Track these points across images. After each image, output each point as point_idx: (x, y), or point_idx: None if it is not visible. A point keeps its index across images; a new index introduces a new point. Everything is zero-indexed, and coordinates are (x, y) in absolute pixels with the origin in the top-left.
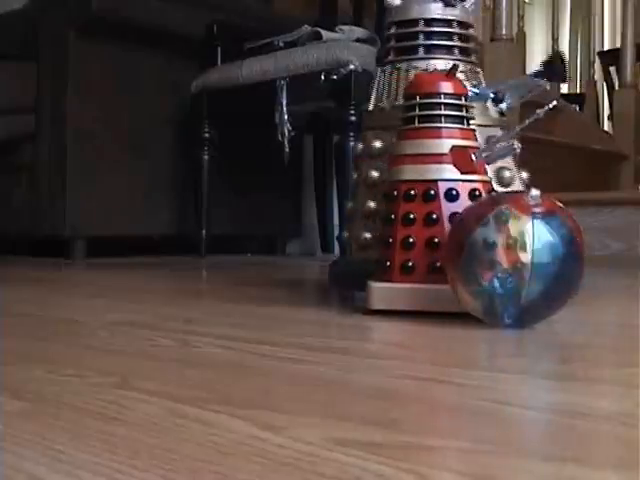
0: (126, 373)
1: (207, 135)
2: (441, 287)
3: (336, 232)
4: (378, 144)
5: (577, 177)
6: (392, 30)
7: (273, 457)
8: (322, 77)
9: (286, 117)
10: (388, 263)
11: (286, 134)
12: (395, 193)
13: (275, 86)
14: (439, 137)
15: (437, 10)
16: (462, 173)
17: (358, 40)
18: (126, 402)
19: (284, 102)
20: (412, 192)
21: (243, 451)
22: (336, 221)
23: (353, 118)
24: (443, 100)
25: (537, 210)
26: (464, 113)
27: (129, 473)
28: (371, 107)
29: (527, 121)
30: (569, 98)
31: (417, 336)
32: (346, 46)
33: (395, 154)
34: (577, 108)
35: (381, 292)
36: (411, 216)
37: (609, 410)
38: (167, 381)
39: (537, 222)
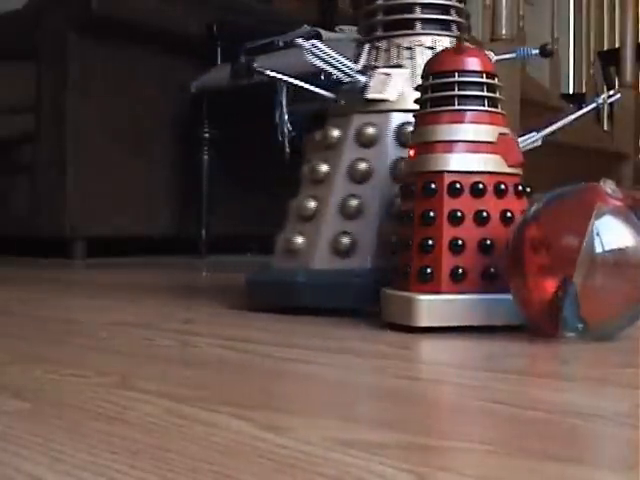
0: (126, 373)
1: (207, 135)
2: (500, 297)
3: None
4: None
5: (576, 177)
6: (380, 1)
7: (274, 457)
8: (322, 77)
9: (286, 117)
10: (408, 269)
11: (286, 134)
12: (433, 186)
13: (275, 86)
14: (487, 122)
15: None
16: (509, 165)
17: None
18: (126, 402)
19: (284, 102)
20: (457, 186)
21: (243, 451)
22: None
23: None
24: (486, 80)
25: (618, 204)
26: (485, 93)
27: (129, 473)
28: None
29: (575, 114)
30: (569, 98)
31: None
32: (346, 46)
33: (426, 140)
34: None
35: (431, 305)
36: (458, 214)
37: (609, 410)
38: (167, 381)
39: (616, 219)
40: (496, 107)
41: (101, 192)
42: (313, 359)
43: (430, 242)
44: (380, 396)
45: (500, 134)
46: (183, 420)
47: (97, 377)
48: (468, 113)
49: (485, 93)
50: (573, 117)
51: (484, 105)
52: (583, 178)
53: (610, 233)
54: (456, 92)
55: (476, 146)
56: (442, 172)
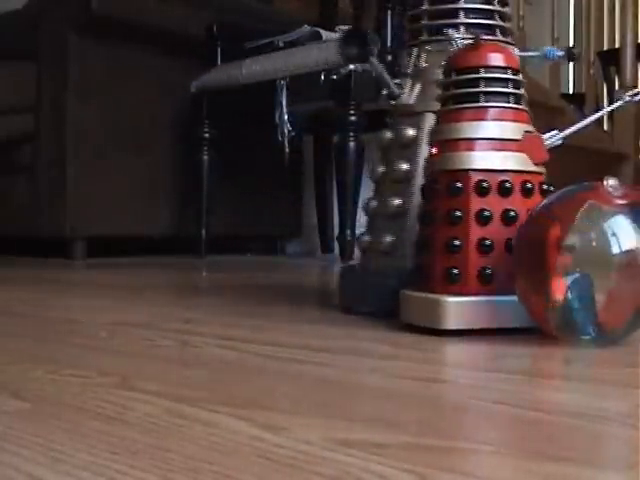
0: (126, 373)
1: (207, 135)
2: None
3: (336, 232)
4: (410, 132)
5: (577, 177)
6: (425, 6)
7: (273, 457)
8: (322, 77)
9: (286, 117)
10: (432, 270)
11: (286, 134)
12: (459, 185)
13: (275, 86)
14: (513, 120)
15: None
16: (535, 164)
17: None
18: (126, 402)
19: (284, 102)
20: (484, 184)
21: (243, 451)
22: (336, 221)
23: (353, 118)
24: (511, 76)
25: (622, 202)
26: (511, 89)
27: (129, 473)
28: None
29: (599, 113)
30: (569, 98)
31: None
32: None
33: (450, 138)
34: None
35: (459, 307)
36: (486, 214)
37: (610, 410)
38: (167, 381)
39: (624, 218)
40: (520, 104)
41: (101, 192)
42: (314, 359)
43: (457, 242)
44: (380, 396)
45: (525, 132)
46: (183, 420)
47: (97, 377)
48: (494, 110)
49: (511, 90)
50: (597, 116)
51: (509, 102)
52: (583, 178)
53: (623, 233)
54: (482, 89)
55: (502, 144)
56: (468, 170)
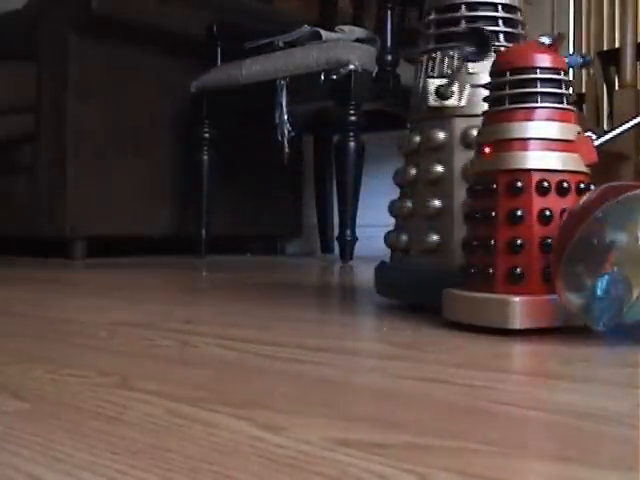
0: (126, 373)
1: (207, 135)
2: None
3: (336, 232)
4: (417, 139)
5: None
6: (432, 16)
7: (273, 457)
8: (322, 77)
9: (286, 117)
10: (491, 270)
11: (286, 134)
12: (519, 184)
13: (275, 86)
14: (569, 121)
15: None
16: (585, 165)
17: (358, 40)
18: (126, 402)
19: (284, 102)
20: (545, 184)
21: (243, 451)
22: (336, 221)
23: (353, 118)
24: (563, 77)
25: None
26: (564, 90)
27: (129, 473)
28: (412, 101)
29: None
30: None
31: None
32: (346, 46)
33: (507, 137)
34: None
35: (525, 307)
36: (547, 213)
37: (610, 410)
38: (167, 381)
39: None
40: (570, 105)
41: (101, 192)
42: (313, 359)
43: (519, 242)
44: (380, 396)
45: (578, 132)
46: (183, 420)
47: (97, 377)
48: (551, 110)
49: (564, 90)
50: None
51: (563, 103)
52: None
53: None
54: (539, 89)
55: (559, 144)
56: (529, 170)
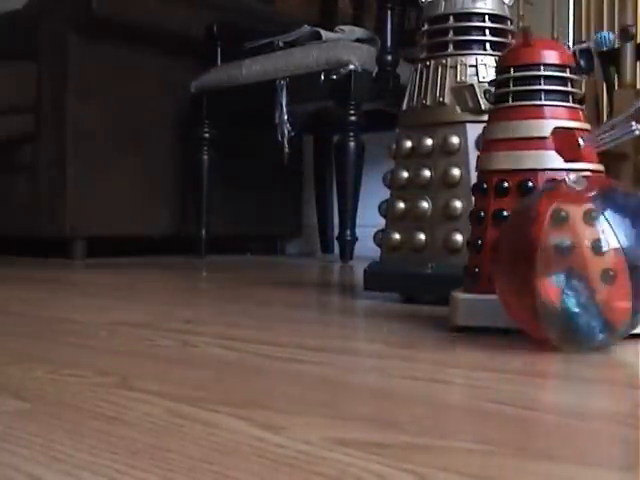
0: (126, 373)
1: (207, 135)
2: None
3: (336, 232)
4: (408, 144)
5: None
6: (425, 27)
7: (273, 457)
8: (322, 77)
9: (286, 117)
10: (477, 270)
11: (286, 134)
12: (506, 185)
13: (275, 86)
14: (540, 117)
15: (467, 4)
16: (566, 161)
17: (358, 40)
18: (126, 402)
19: (284, 102)
20: (529, 184)
21: (243, 451)
22: (336, 221)
23: (353, 118)
24: (543, 72)
25: (593, 194)
26: (569, 88)
27: (129, 473)
28: (405, 107)
29: None
30: None
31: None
32: (346, 46)
33: (514, 137)
34: None
35: None
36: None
37: (609, 410)
38: (167, 381)
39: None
40: (565, 100)
41: (101, 192)
42: (313, 359)
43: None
44: (380, 396)
45: (556, 128)
46: (183, 420)
47: (97, 377)
48: (555, 109)
49: (569, 89)
50: None
51: (568, 100)
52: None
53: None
54: (542, 86)
55: (524, 143)
56: (536, 170)
